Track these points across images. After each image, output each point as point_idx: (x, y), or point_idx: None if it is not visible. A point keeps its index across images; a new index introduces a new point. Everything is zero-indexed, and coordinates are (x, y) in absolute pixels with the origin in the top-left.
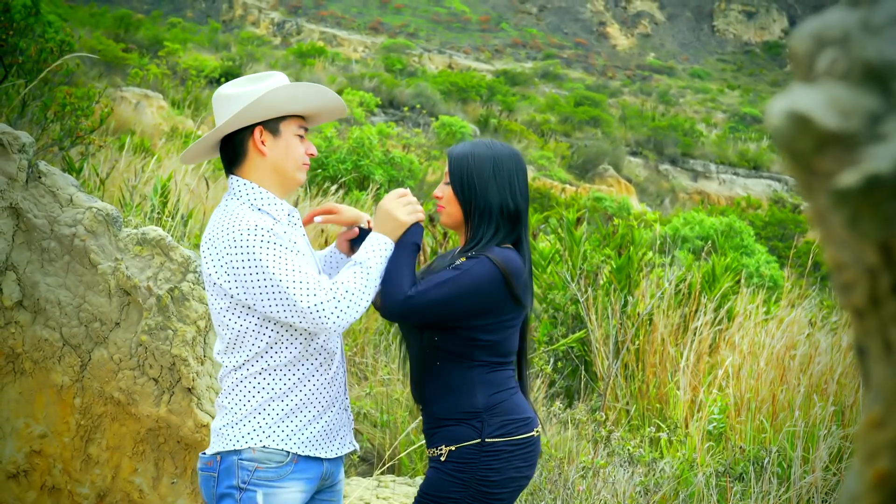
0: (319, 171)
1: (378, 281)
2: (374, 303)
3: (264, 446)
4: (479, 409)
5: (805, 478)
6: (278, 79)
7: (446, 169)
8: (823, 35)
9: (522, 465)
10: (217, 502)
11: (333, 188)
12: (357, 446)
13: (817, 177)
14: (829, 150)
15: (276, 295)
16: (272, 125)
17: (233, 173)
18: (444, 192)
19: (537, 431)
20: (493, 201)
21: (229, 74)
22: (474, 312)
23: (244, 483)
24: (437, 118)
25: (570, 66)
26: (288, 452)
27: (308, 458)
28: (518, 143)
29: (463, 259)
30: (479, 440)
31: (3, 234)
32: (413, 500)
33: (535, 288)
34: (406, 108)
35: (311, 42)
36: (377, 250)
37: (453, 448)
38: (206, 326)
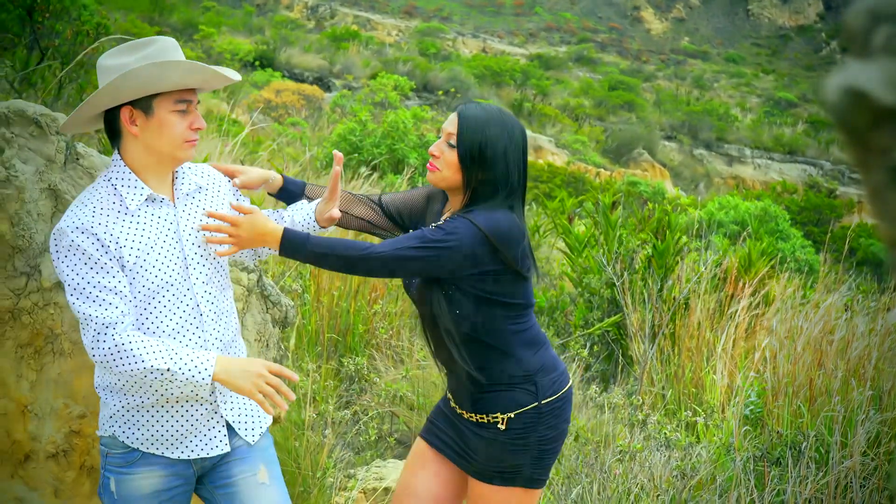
0: (354, 154)
1: (142, 376)
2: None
3: (113, 434)
4: (530, 372)
5: (843, 462)
6: (154, 50)
7: (451, 129)
8: (879, 10)
9: (568, 413)
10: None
11: (367, 172)
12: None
13: (873, 153)
14: (886, 125)
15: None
16: (143, 104)
17: (116, 149)
18: (445, 154)
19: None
20: (499, 177)
21: (263, 58)
22: (458, 268)
23: (103, 468)
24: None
25: (605, 51)
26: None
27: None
28: (552, 128)
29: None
30: (536, 404)
31: (42, 215)
32: (480, 468)
33: (570, 272)
34: (440, 92)
35: (345, 26)
36: (189, 371)
37: (512, 416)
38: (243, 308)
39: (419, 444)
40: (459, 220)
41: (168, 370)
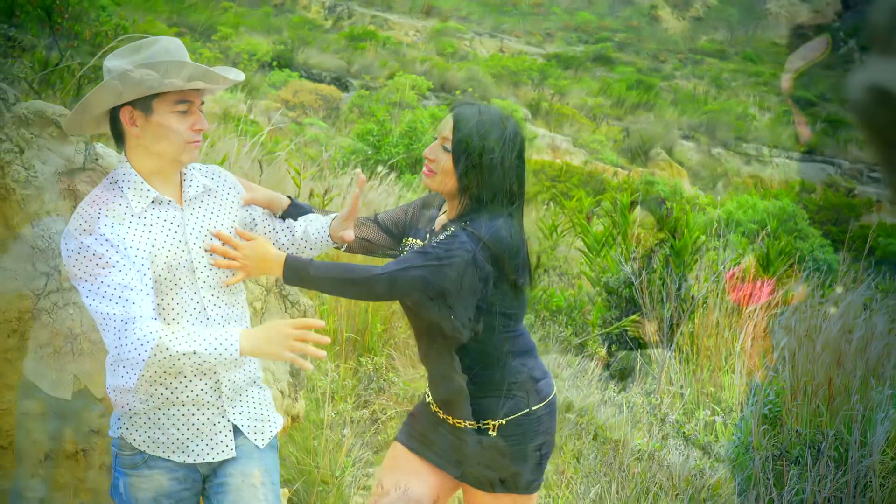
0: (372, 153)
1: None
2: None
3: (121, 436)
4: (523, 379)
5: (862, 461)
6: (156, 50)
7: (446, 133)
8: None
9: (555, 418)
10: None
11: (385, 171)
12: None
13: None
14: None
15: (92, 314)
16: (142, 104)
17: (122, 150)
18: (440, 159)
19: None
20: (496, 182)
21: (281, 58)
22: (461, 287)
23: (114, 468)
24: (489, 102)
25: (622, 50)
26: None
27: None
28: (570, 127)
29: (451, 230)
30: (527, 410)
31: (62, 216)
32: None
33: (588, 271)
34: (458, 92)
35: (363, 26)
36: (215, 349)
37: (503, 422)
38: (261, 308)
39: (403, 451)
40: (461, 233)
41: (194, 353)
